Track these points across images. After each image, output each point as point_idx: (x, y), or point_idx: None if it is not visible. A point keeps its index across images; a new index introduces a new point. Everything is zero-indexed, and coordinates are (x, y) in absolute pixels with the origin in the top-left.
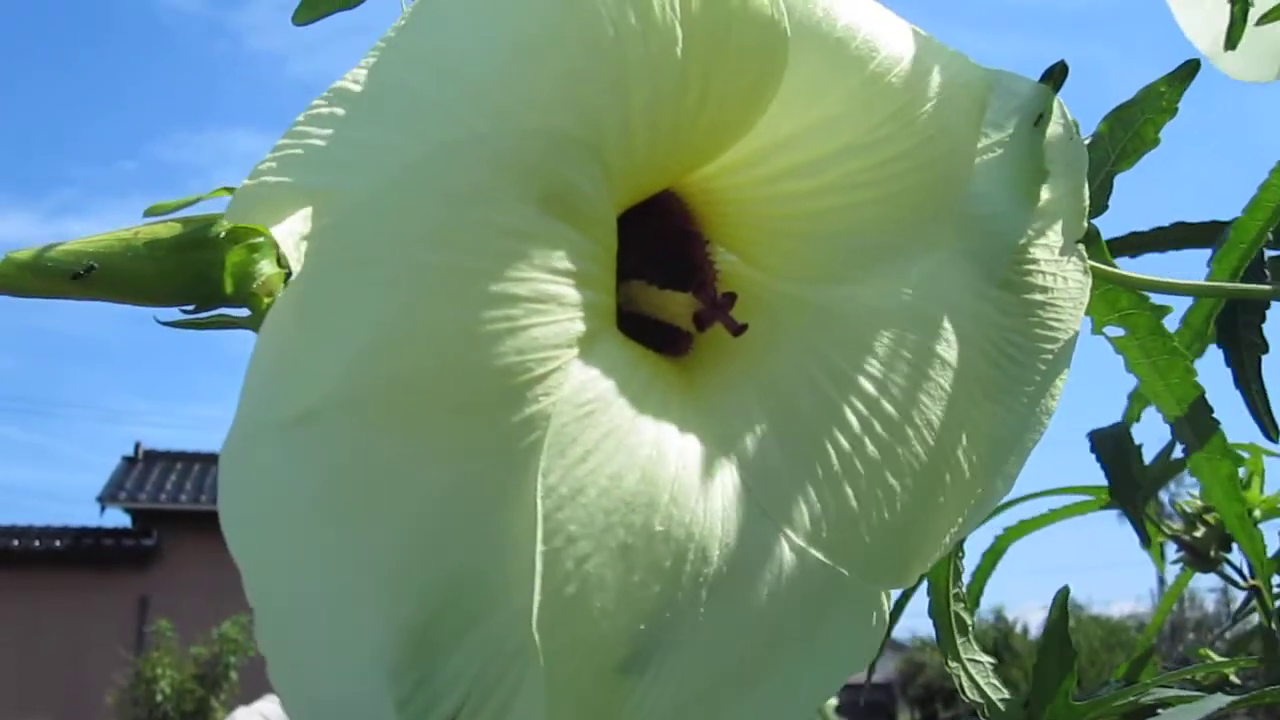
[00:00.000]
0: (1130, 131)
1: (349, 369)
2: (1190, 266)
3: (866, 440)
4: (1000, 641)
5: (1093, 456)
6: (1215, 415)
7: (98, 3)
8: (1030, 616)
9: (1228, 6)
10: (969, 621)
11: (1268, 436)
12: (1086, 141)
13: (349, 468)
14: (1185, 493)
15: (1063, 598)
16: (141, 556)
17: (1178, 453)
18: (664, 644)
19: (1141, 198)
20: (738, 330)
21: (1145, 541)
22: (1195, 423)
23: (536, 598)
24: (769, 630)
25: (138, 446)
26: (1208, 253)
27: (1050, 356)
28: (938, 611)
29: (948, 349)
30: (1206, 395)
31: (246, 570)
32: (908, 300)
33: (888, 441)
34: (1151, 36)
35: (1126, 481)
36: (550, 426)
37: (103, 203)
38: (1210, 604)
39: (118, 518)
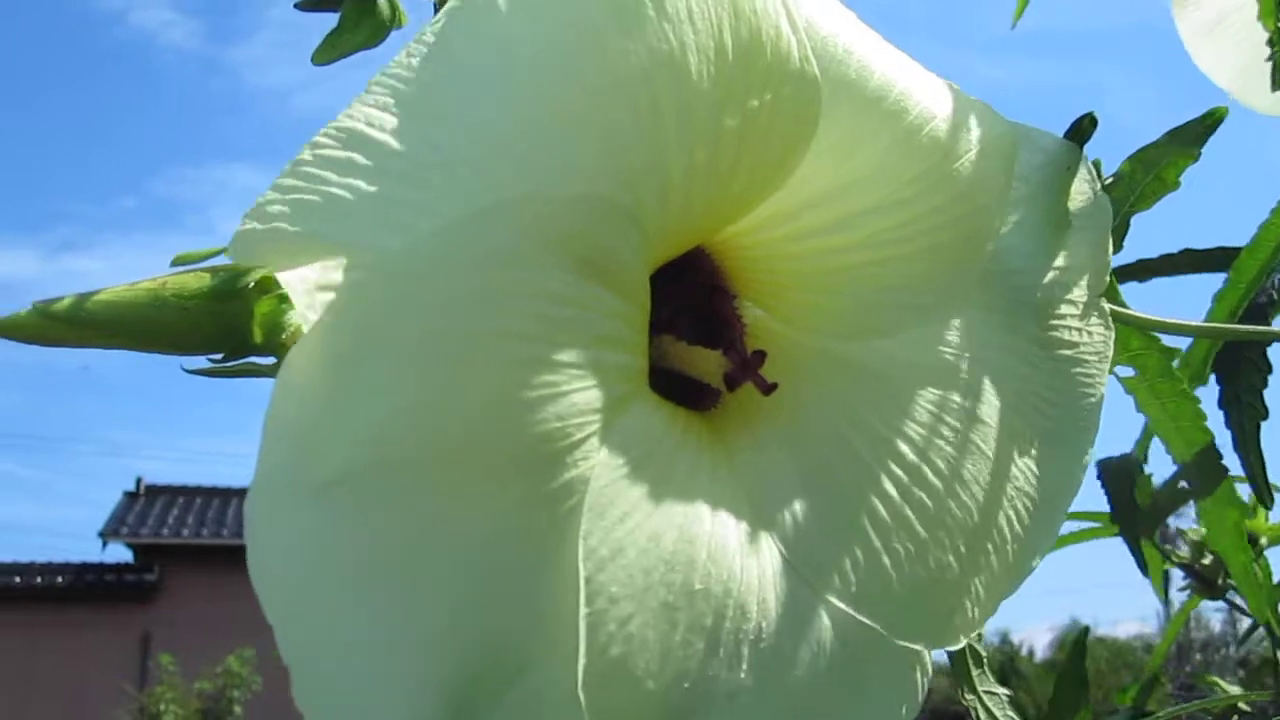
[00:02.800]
0: (1152, 174)
1: (385, 432)
2: (1200, 292)
3: (899, 497)
4: (1006, 664)
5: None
6: (1223, 462)
7: (95, 40)
8: (1036, 639)
9: (1244, 43)
10: (983, 653)
11: (1264, 505)
12: (1107, 181)
13: (387, 532)
14: (1192, 520)
15: (1080, 636)
16: (144, 591)
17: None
18: (708, 702)
19: (1151, 221)
20: (768, 390)
21: (1145, 570)
22: (1204, 469)
23: (582, 660)
24: (812, 690)
25: (139, 481)
26: (1216, 278)
27: (1083, 411)
28: None
29: (979, 404)
30: (1215, 441)
31: (283, 632)
32: (936, 355)
33: (921, 498)
34: (1154, 60)
35: (1129, 513)
36: (589, 489)
37: (104, 239)
38: (1217, 624)
39: (120, 553)
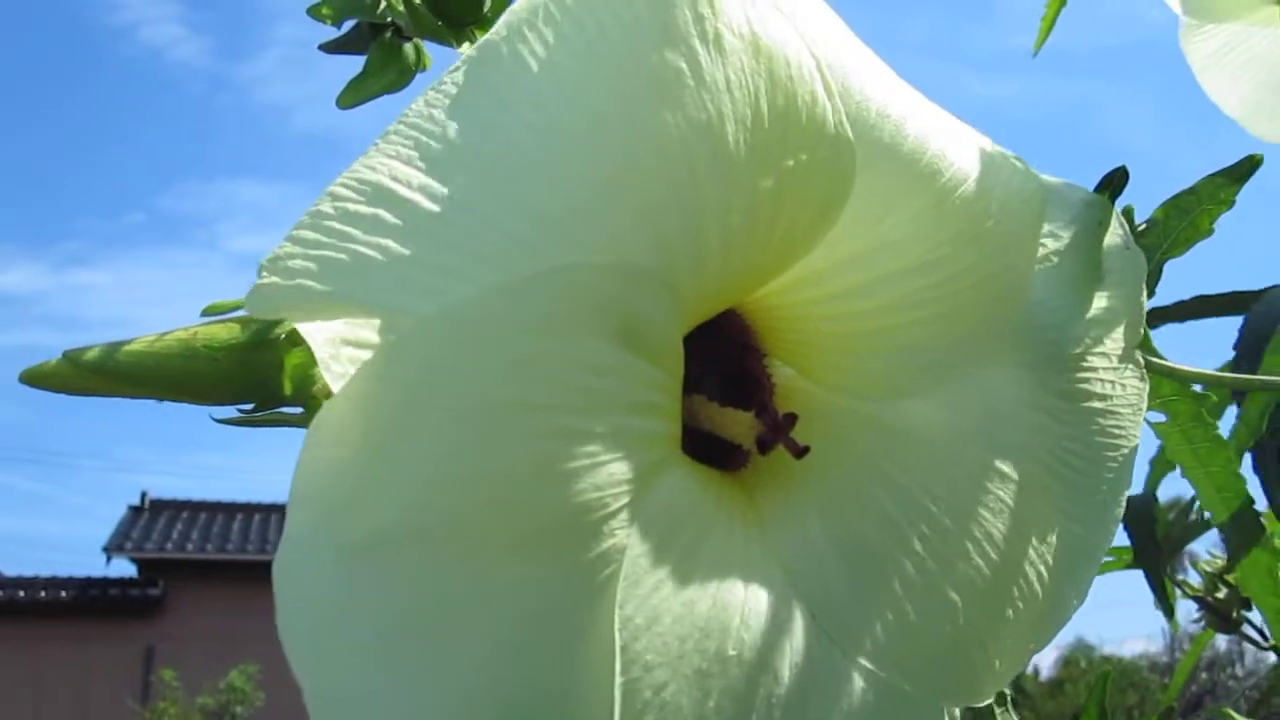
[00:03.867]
0: (1186, 221)
1: (420, 498)
2: (1212, 335)
3: (928, 558)
4: (1012, 684)
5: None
6: (1258, 511)
7: (103, 56)
8: (1042, 657)
9: (1252, 71)
10: (1007, 692)
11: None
12: (1141, 228)
13: (419, 599)
14: (1205, 552)
15: (1104, 679)
16: (147, 606)
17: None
18: None
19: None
20: (800, 453)
21: (1169, 614)
22: (1240, 522)
23: None
24: None
25: (144, 496)
26: (1227, 321)
27: (1116, 464)
28: None
29: (1008, 462)
30: (1248, 487)
31: (312, 695)
32: (965, 414)
33: (950, 558)
34: (1153, 79)
35: (1152, 552)
36: (625, 559)
37: (111, 253)
38: (1223, 643)
39: (124, 567)
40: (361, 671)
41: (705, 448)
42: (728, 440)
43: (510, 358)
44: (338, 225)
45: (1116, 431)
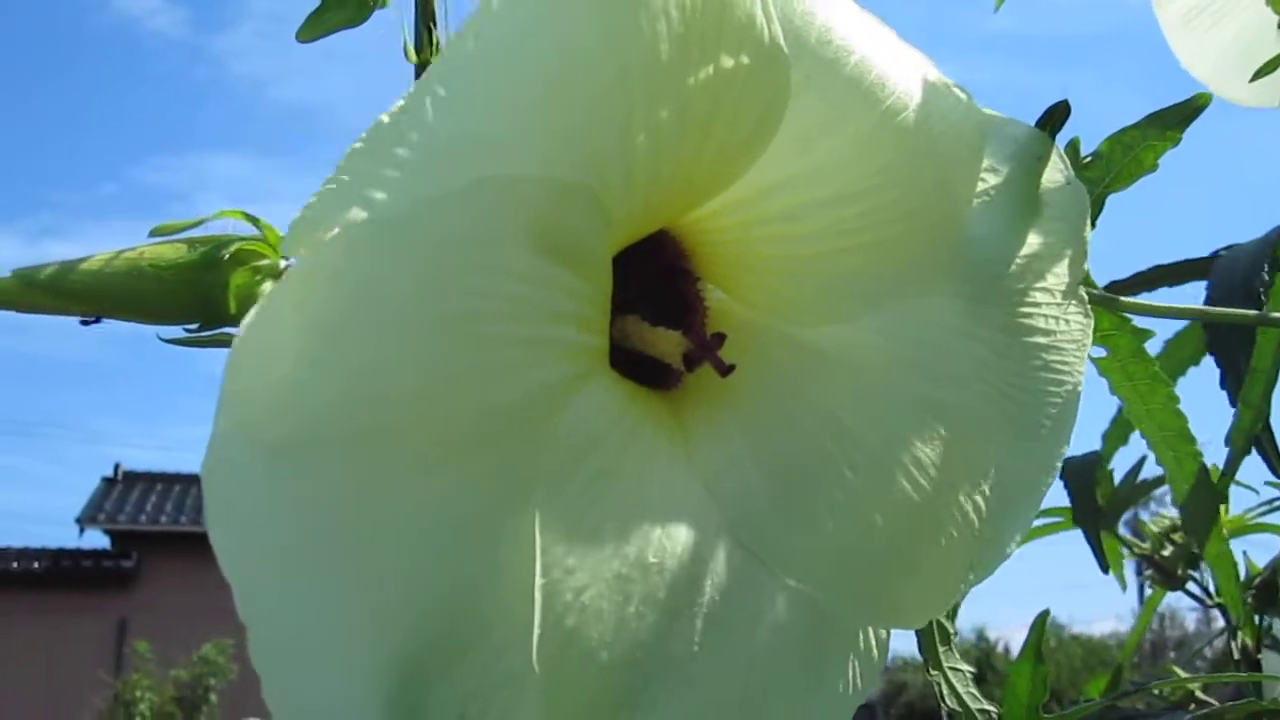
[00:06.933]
0: (1130, 155)
1: (348, 402)
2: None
3: (855, 480)
4: (983, 660)
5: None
6: (1199, 451)
7: (79, 26)
8: (1012, 636)
9: (1221, 34)
10: (951, 630)
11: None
12: (1086, 160)
13: (343, 500)
14: (1152, 512)
15: (1042, 619)
16: (121, 578)
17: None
18: (661, 674)
19: (1133, 225)
20: (725, 371)
21: (1105, 569)
22: (1198, 493)
23: (537, 630)
24: (767, 664)
25: (117, 468)
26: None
27: (1059, 400)
28: None
29: (943, 391)
30: (1189, 425)
31: (238, 592)
32: (902, 344)
33: (877, 482)
34: (1135, 65)
35: (1089, 508)
36: (547, 464)
37: (84, 225)
38: (1191, 623)
39: (97, 539)
40: (286, 571)
41: (638, 367)
42: (658, 359)
43: (438, 266)
44: (343, 162)
45: (1060, 367)
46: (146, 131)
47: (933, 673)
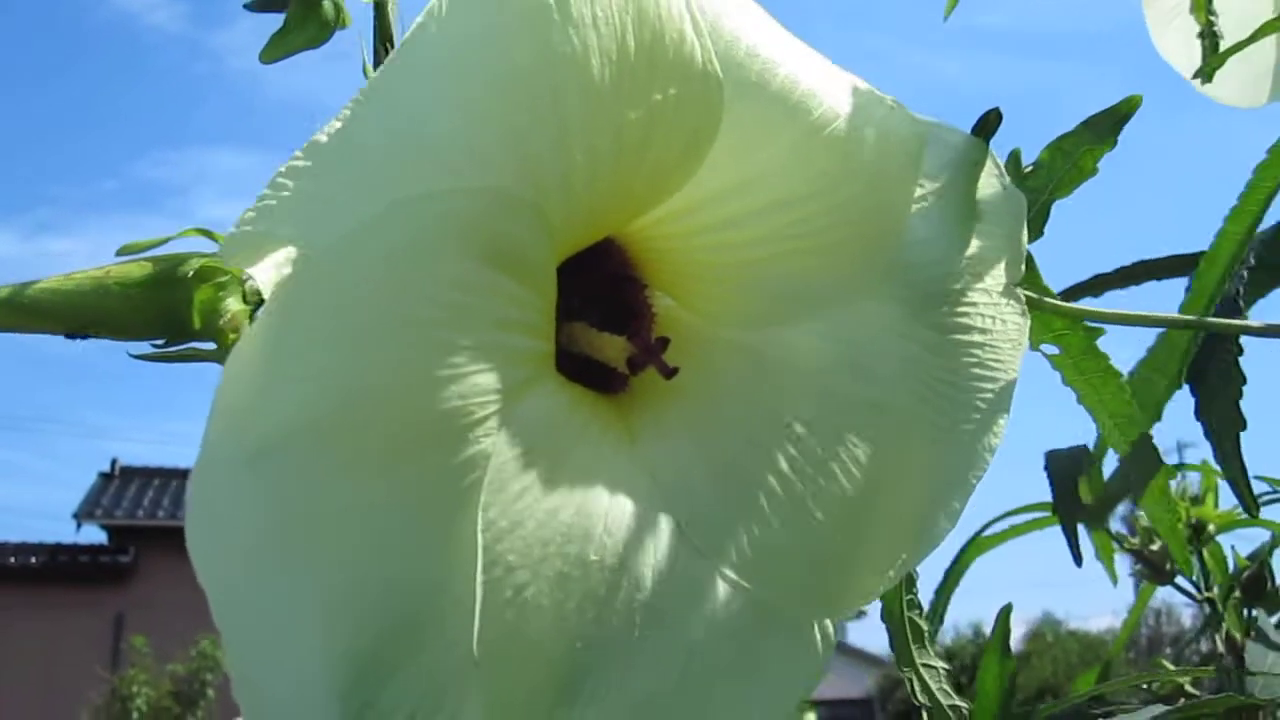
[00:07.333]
0: (1070, 162)
1: (300, 409)
2: (1157, 298)
3: (795, 477)
4: (977, 656)
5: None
6: (1151, 435)
7: (79, 22)
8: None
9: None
10: (924, 627)
11: (1249, 512)
12: (1028, 169)
13: (299, 501)
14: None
15: (1005, 614)
16: (118, 573)
17: None
18: (601, 666)
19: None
20: (669, 374)
21: (1078, 560)
22: (1138, 448)
23: (478, 623)
24: (708, 656)
25: (114, 463)
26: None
27: (990, 396)
28: (890, 618)
29: (877, 391)
30: (1140, 412)
31: (210, 595)
32: (837, 344)
33: (814, 478)
34: (1121, 61)
35: (1069, 503)
36: (490, 465)
37: (83, 220)
38: (1187, 619)
39: (94, 534)
40: (247, 567)
41: (586, 372)
42: (604, 364)
43: (382, 277)
44: (281, 179)
45: (994, 364)
46: (145, 127)
47: (905, 670)
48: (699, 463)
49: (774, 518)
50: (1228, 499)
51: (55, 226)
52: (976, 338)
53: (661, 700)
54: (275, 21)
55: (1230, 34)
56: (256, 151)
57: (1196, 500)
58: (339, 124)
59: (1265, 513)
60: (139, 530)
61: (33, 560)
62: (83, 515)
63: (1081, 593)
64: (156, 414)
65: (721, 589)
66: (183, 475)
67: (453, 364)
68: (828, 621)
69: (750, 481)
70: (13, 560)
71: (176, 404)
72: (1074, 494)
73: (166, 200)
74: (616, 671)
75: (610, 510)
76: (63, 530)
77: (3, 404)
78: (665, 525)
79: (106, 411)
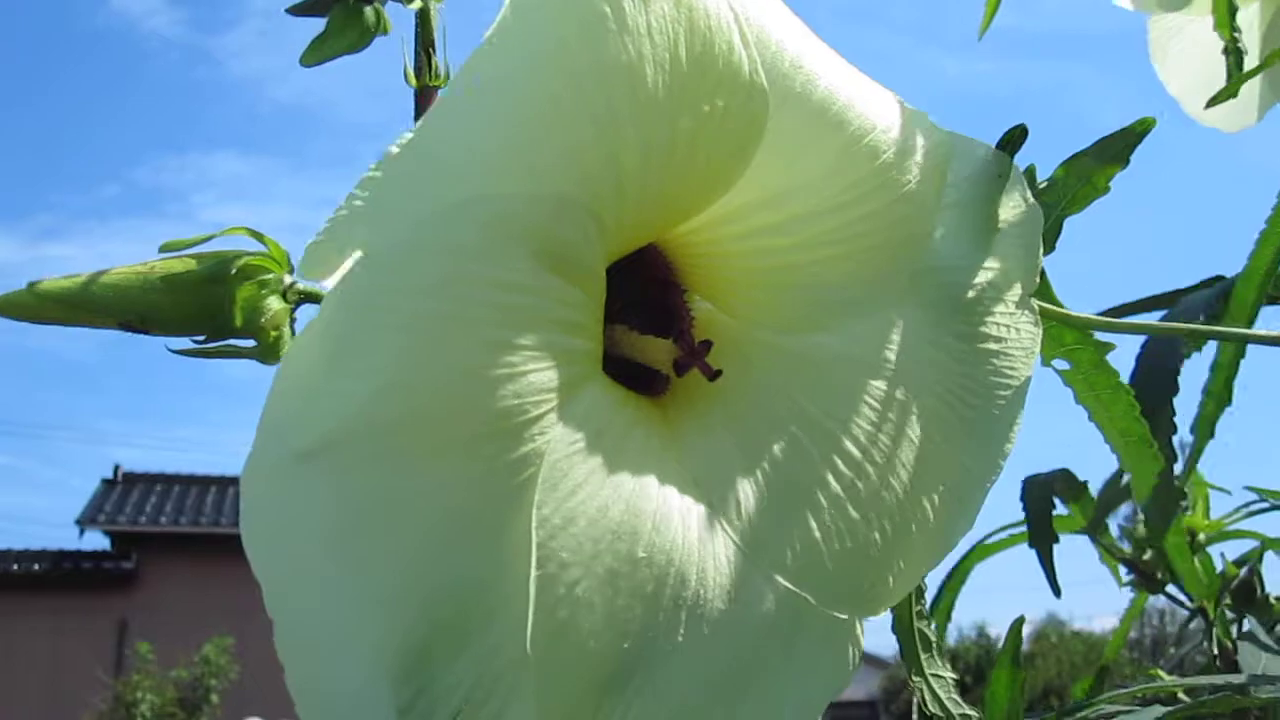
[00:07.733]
0: (1083, 180)
1: (361, 406)
2: None
3: (831, 478)
4: (983, 658)
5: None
6: (1169, 470)
7: (78, 28)
8: None
9: (1196, 50)
10: (932, 638)
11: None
12: (1043, 185)
13: (359, 496)
14: (1133, 518)
15: (1017, 626)
16: (121, 579)
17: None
18: (647, 662)
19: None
20: (713, 375)
21: (1056, 592)
22: (1160, 495)
23: (531, 619)
24: (746, 653)
25: (117, 469)
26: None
27: (1005, 402)
28: (901, 628)
29: (907, 394)
30: (1148, 430)
31: (266, 588)
32: (870, 349)
33: (851, 479)
34: (1129, 63)
35: (1043, 530)
36: (544, 463)
37: (84, 226)
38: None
39: (97, 540)
40: (307, 564)
41: (629, 375)
42: (648, 366)
43: (439, 278)
44: (354, 190)
45: (1009, 372)
46: (147, 133)
47: (915, 679)
48: (741, 464)
49: (814, 519)
50: (1218, 509)
51: (56, 233)
52: (994, 346)
53: (703, 694)
54: (276, 28)
55: (1209, 56)
56: (258, 156)
57: (1186, 509)
58: (411, 136)
59: (1254, 523)
60: (142, 536)
61: (36, 567)
62: (86, 522)
63: (1086, 594)
64: (160, 420)
65: (762, 588)
66: (186, 481)
67: (509, 363)
68: (856, 623)
69: (791, 482)
70: (16, 567)
71: (180, 411)
72: (1047, 524)
73: (167, 205)
74: (664, 667)
75: (658, 509)
76: (66, 537)
77: (5, 410)
78: (710, 524)
79: (109, 418)
